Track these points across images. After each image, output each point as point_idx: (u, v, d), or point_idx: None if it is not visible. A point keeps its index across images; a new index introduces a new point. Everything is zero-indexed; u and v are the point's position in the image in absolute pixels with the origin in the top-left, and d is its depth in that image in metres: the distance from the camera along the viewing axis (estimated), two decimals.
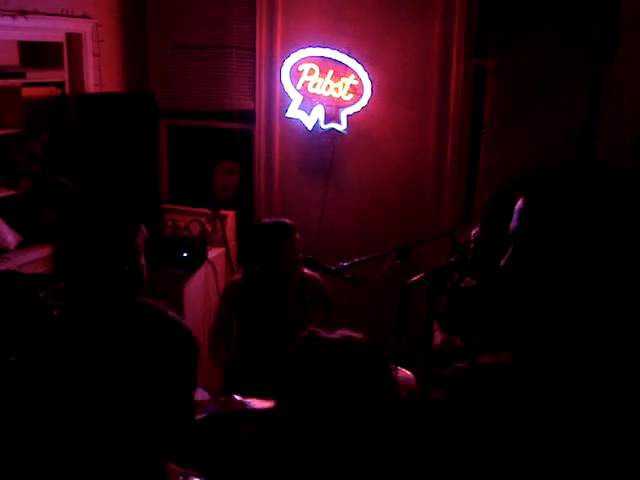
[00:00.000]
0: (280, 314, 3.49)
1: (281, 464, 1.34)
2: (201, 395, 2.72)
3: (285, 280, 3.48)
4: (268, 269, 3.47)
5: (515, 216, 1.24)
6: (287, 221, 3.50)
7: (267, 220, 3.62)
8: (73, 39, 4.47)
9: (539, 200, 1.22)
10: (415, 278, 2.44)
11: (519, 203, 1.24)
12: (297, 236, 3.45)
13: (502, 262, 1.27)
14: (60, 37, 4.42)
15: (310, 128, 4.52)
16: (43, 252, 4.28)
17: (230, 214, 4.84)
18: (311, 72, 4.46)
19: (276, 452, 1.37)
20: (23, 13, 3.92)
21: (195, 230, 4.71)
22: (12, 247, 4.07)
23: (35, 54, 4.43)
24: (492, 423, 1.14)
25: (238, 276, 3.68)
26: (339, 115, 4.44)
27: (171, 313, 1.30)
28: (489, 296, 2.35)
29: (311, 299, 3.60)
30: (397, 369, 3.11)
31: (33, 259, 4.09)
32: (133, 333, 1.24)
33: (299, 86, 4.50)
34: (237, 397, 2.78)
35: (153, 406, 1.21)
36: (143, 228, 2.23)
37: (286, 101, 4.58)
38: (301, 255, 3.49)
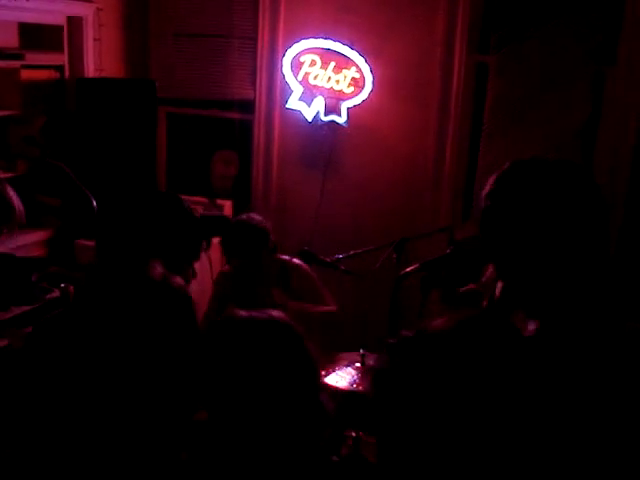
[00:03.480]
0: (263, 298, 3.52)
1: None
2: None
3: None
4: None
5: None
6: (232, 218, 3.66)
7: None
8: (74, 22, 4.44)
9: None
10: (410, 268, 2.42)
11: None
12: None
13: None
14: (61, 20, 4.39)
15: (310, 120, 4.50)
16: (38, 236, 4.27)
17: (227, 204, 4.81)
18: (313, 63, 4.43)
19: None
20: None
21: None
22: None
23: (35, 36, 4.39)
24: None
25: (227, 267, 3.76)
26: (339, 108, 4.42)
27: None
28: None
29: (299, 289, 3.61)
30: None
31: (28, 242, 4.07)
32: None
33: (300, 77, 4.47)
34: None
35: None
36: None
37: (286, 92, 4.55)
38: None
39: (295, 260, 3.58)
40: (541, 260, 1.32)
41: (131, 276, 1.36)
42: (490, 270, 2.77)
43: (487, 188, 1.41)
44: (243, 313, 1.40)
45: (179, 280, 1.37)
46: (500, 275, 1.44)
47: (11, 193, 2.97)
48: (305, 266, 3.62)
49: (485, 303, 2.25)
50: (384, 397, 1.10)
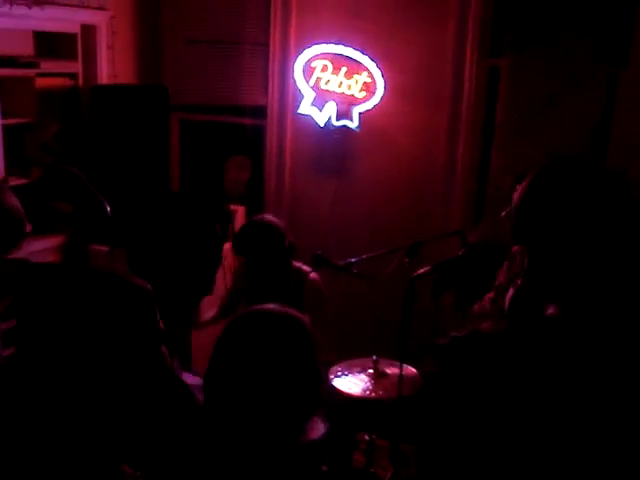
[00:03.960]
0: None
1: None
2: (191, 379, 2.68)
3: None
4: None
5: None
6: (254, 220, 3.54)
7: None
8: (88, 31, 4.48)
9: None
10: (422, 270, 2.42)
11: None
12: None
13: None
14: (75, 28, 4.43)
15: (322, 125, 4.51)
16: (52, 242, 4.30)
17: (240, 209, 4.83)
18: (324, 69, 4.45)
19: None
20: (38, 3, 3.93)
21: None
22: None
23: (49, 45, 4.44)
24: (479, 394, 1.11)
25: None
26: (351, 112, 4.43)
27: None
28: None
29: (308, 301, 3.55)
30: (402, 366, 3.09)
31: (42, 248, 4.10)
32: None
33: (312, 82, 4.49)
34: None
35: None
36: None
37: (298, 97, 4.57)
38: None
39: (313, 275, 3.52)
40: (574, 252, 1.33)
41: (91, 270, 1.39)
42: (502, 276, 2.77)
43: (524, 186, 1.46)
44: (255, 308, 1.43)
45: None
46: (533, 265, 1.44)
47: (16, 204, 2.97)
48: (322, 286, 3.56)
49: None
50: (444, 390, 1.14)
